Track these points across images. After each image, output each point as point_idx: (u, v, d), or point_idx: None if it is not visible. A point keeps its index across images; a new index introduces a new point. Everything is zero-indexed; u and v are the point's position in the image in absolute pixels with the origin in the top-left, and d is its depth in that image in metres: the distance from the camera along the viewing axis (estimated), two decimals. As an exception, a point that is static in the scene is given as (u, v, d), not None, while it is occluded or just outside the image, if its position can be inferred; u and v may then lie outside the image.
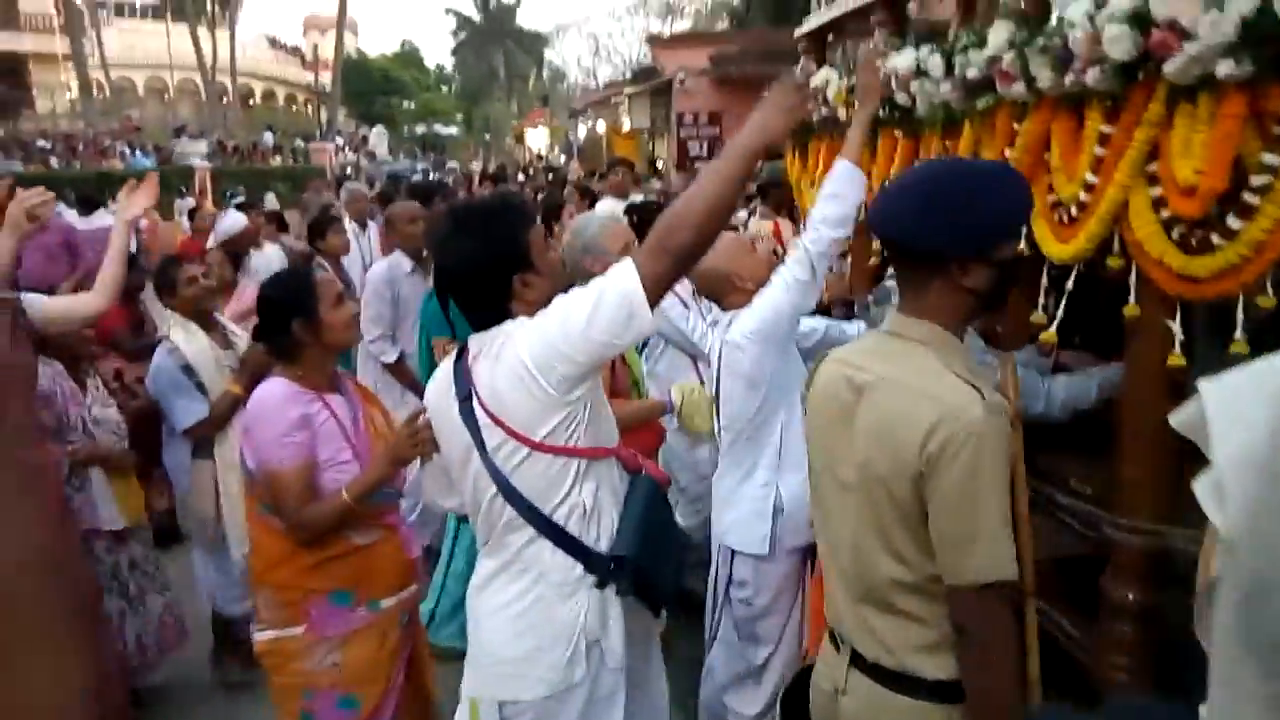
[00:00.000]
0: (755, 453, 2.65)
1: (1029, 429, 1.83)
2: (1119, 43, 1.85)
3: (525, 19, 44.02)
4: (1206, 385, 1.41)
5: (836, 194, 2.51)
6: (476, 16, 42.61)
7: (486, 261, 1.90)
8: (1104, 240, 2.03)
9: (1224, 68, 1.67)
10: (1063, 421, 2.38)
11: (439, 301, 2.01)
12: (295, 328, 2.47)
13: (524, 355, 1.82)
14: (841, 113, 3.20)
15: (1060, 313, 2.16)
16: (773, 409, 2.61)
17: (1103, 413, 2.33)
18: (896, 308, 1.75)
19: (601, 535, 1.92)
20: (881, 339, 1.76)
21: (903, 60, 2.71)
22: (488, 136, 39.53)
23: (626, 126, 20.81)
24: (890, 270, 3.19)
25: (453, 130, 42.03)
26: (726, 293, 2.74)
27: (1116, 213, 1.97)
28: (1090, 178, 2.03)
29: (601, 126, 22.23)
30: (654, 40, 20.77)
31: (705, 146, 17.64)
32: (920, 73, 2.62)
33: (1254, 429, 0.82)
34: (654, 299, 1.74)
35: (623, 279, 1.74)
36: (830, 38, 3.96)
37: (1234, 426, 0.87)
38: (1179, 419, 1.53)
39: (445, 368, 2.03)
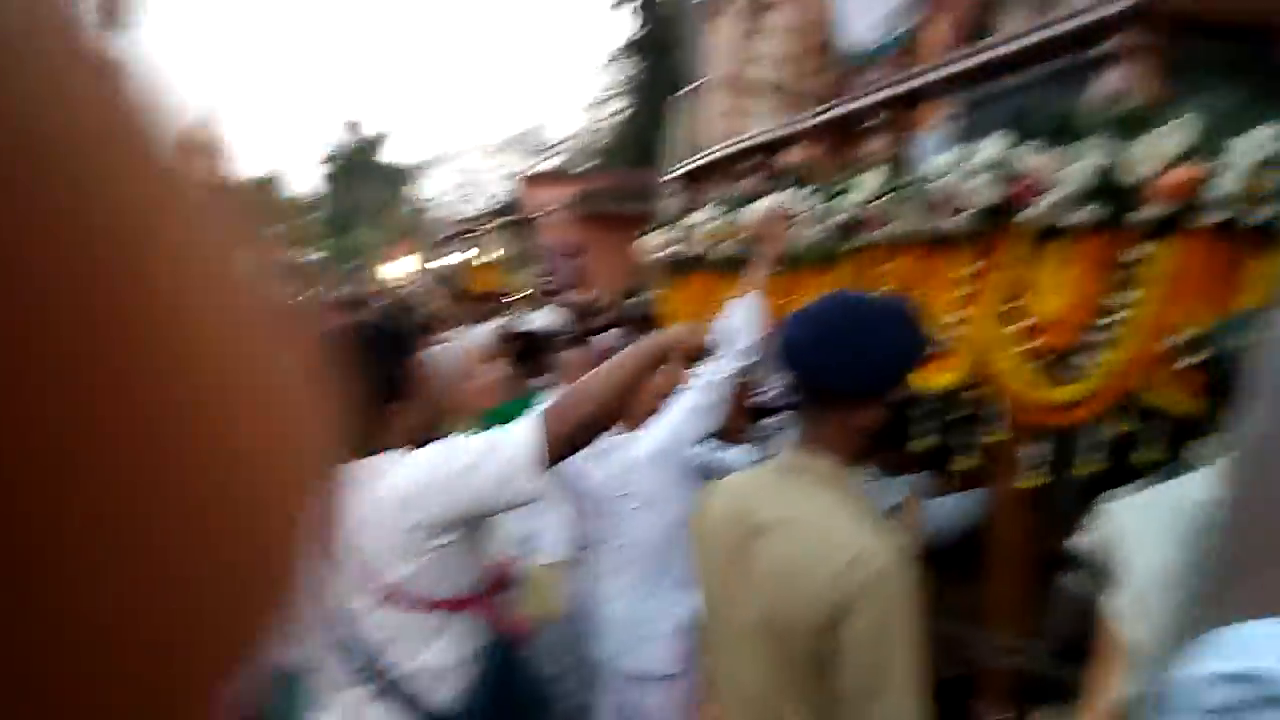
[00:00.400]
0: (657, 575, 2.64)
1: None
2: (983, 191, 2.01)
3: (394, 153, 44.33)
4: (1114, 508, 1.48)
5: (739, 327, 2.59)
6: (345, 149, 42.95)
7: (360, 387, 1.82)
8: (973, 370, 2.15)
9: (1079, 215, 1.83)
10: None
11: None
12: None
13: (394, 489, 1.72)
14: (715, 251, 3.33)
15: (938, 439, 2.26)
16: (673, 530, 2.60)
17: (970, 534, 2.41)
18: (790, 441, 1.77)
19: (448, 696, 1.78)
20: (776, 473, 1.74)
21: (768, 203, 2.87)
22: (353, 265, 39.31)
23: (489, 258, 21.03)
24: (768, 401, 3.27)
25: (317, 258, 41.60)
26: (627, 412, 2.76)
27: (983, 346, 2.10)
28: (960, 313, 2.17)
29: (465, 257, 22.38)
30: (519, 176, 21.26)
31: (567, 279, 17.94)
32: (795, 214, 2.77)
33: (1166, 546, 0.86)
34: (549, 461, 1.70)
35: (521, 435, 1.70)
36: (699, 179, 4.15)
37: (1147, 544, 0.92)
38: (1085, 542, 1.59)
39: None
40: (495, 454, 1.69)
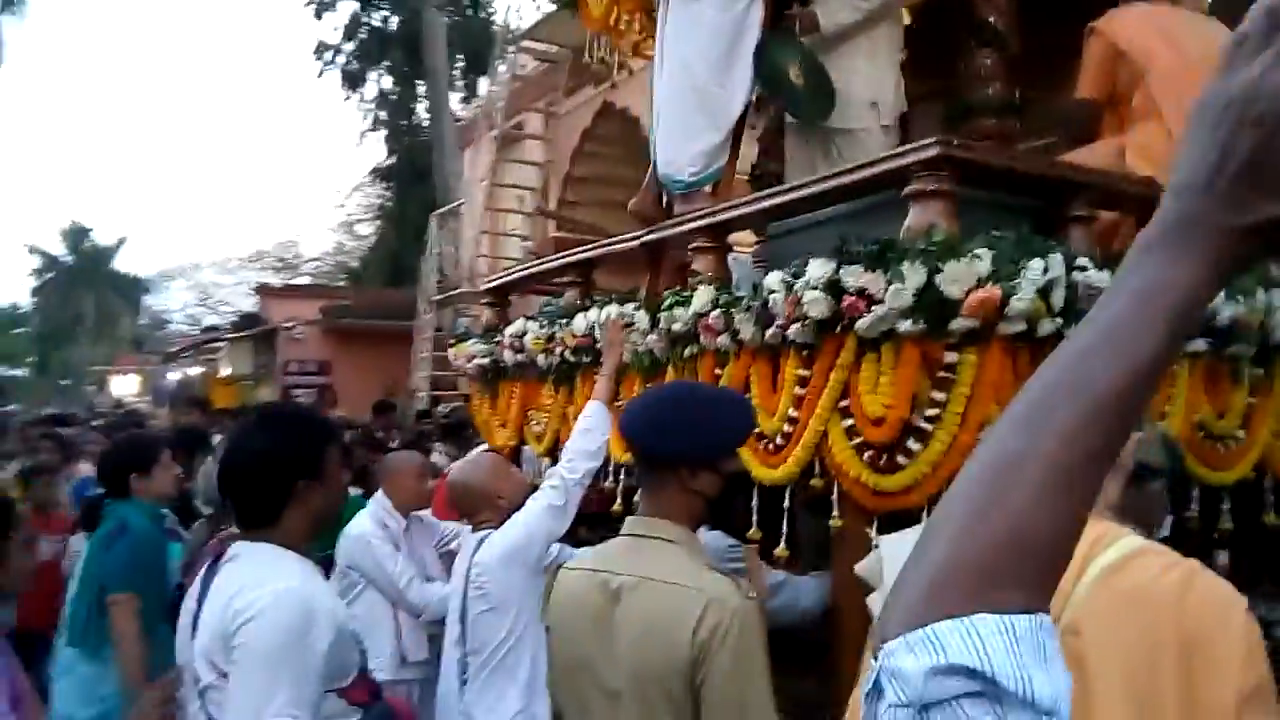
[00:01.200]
0: (506, 679, 2.60)
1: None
2: (817, 305, 2.30)
3: (124, 263, 40.72)
4: (884, 540, 1.80)
5: (589, 429, 2.72)
6: (66, 257, 39.28)
7: (276, 457, 1.94)
8: (808, 464, 2.40)
9: (903, 325, 2.15)
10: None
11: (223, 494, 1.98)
12: None
13: (225, 620, 1.79)
14: (540, 359, 3.47)
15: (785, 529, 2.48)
16: (523, 634, 2.61)
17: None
18: (636, 512, 1.96)
19: None
20: (626, 541, 1.92)
21: (606, 313, 3.07)
22: (66, 381, 35.76)
23: (226, 373, 19.88)
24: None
25: (21, 373, 37.47)
26: (480, 509, 2.78)
27: (818, 441, 2.36)
28: (793, 413, 2.42)
29: (203, 371, 21.05)
30: (263, 289, 20.44)
31: (313, 395, 17.31)
32: (627, 325, 2.97)
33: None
34: None
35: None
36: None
37: (898, 562, 1.13)
38: (861, 567, 2.03)
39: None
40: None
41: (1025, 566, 0.58)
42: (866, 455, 2.28)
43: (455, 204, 14.60)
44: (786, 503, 2.48)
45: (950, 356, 2.16)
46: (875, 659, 0.58)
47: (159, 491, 3.48)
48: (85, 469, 6.74)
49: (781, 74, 3.36)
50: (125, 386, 24.93)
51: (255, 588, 1.81)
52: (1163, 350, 0.60)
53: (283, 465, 1.93)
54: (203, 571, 1.93)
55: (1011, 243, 2.18)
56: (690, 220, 3.00)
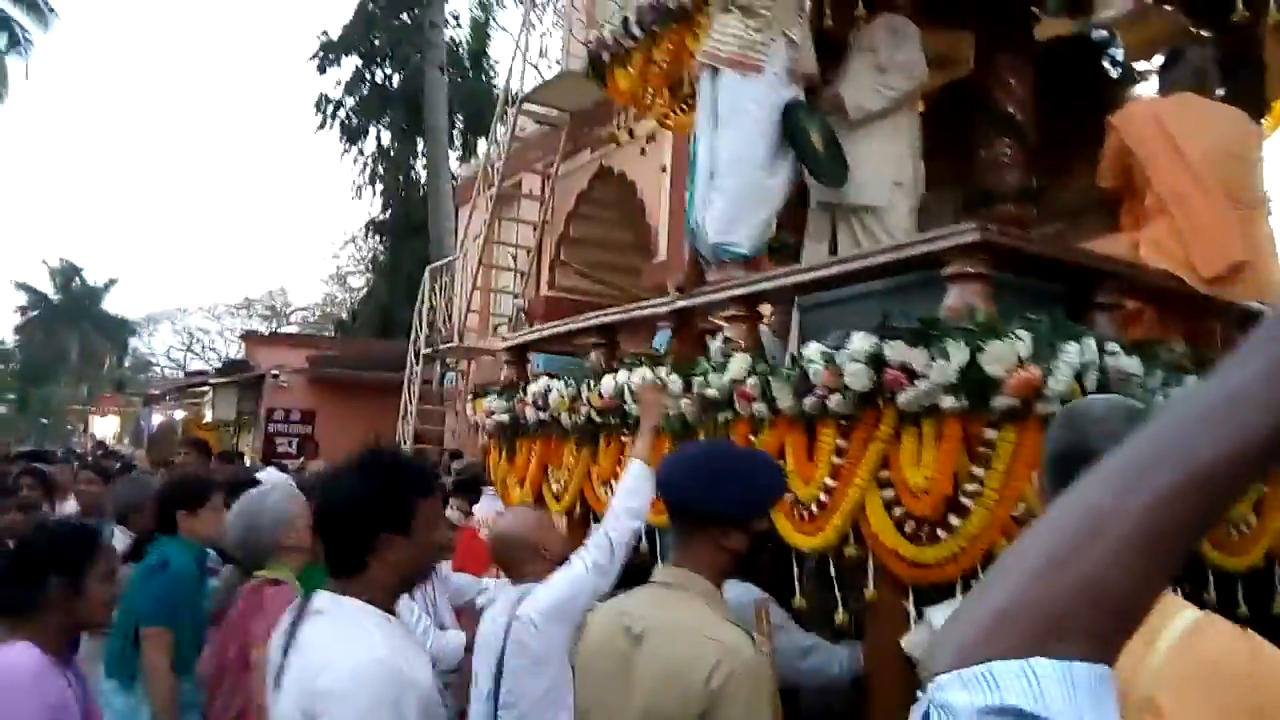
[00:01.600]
0: None
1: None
2: (858, 377, 2.38)
3: (112, 304, 40.83)
4: (935, 612, 1.88)
5: (633, 489, 2.74)
6: (53, 295, 39.09)
7: (361, 505, 1.89)
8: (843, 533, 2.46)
9: (946, 401, 2.23)
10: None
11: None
12: (52, 584, 2.20)
13: (315, 685, 1.75)
14: (564, 418, 3.52)
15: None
16: (562, 690, 2.60)
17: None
18: (667, 561, 2.05)
19: None
20: (653, 589, 2.00)
21: (640, 376, 3.14)
22: (46, 420, 35.42)
23: (208, 417, 19.75)
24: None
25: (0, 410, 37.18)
26: (526, 561, 2.78)
27: (855, 511, 2.42)
28: (830, 482, 2.49)
29: (179, 415, 20.90)
30: (250, 336, 20.40)
31: (294, 444, 17.20)
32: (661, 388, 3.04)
33: None
34: None
35: None
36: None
37: None
38: (909, 642, 2.10)
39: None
40: None
41: (1096, 619, 0.57)
42: (905, 527, 2.34)
43: (449, 259, 14.72)
44: (833, 571, 2.53)
45: (990, 433, 2.24)
46: (923, 690, 0.58)
47: (204, 532, 3.50)
48: (70, 508, 6.63)
49: (805, 135, 3.50)
50: (105, 427, 24.74)
51: (337, 664, 1.75)
52: None
53: (368, 514, 1.87)
54: (288, 622, 1.90)
55: (1047, 326, 2.27)
56: (727, 288, 3.09)
